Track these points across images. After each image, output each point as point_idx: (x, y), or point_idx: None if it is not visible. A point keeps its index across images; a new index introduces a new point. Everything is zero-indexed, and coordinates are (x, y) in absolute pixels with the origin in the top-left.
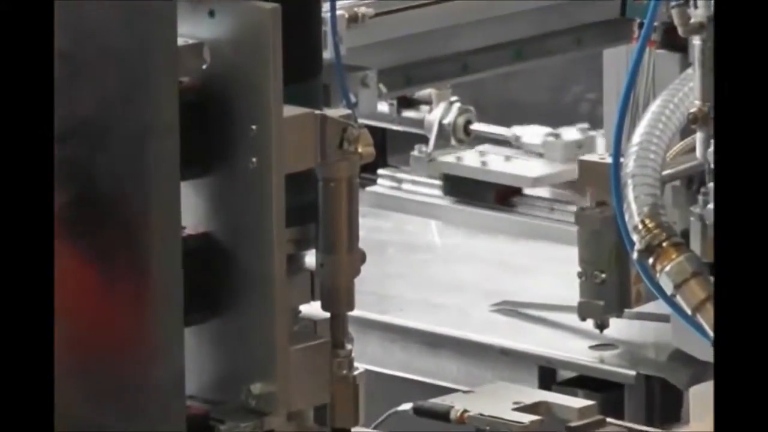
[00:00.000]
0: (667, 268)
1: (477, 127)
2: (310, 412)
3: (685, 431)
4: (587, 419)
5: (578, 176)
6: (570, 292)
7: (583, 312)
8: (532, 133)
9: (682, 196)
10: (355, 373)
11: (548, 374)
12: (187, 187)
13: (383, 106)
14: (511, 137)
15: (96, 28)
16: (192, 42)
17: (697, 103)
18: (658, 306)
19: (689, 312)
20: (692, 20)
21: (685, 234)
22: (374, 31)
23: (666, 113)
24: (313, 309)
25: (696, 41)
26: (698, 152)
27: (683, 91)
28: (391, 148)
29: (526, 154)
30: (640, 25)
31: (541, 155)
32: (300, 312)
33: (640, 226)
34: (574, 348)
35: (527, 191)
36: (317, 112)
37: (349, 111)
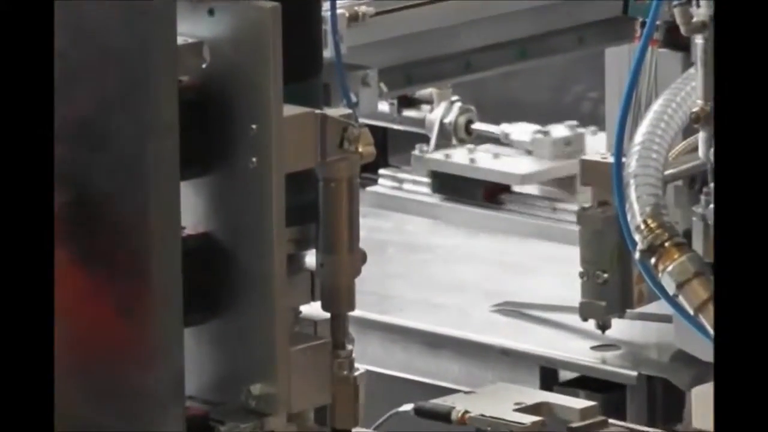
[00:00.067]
0: (669, 268)
1: (474, 125)
2: (310, 413)
3: None
4: (589, 420)
5: (580, 175)
6: (571, 292)
7: (584, 312)
8: (521, 130)
9: (684, 196)
10: (356, 373)
11: (550, 375)
12: (187, 186)
13: (384, 106)
14: (500, 134)
15: (95, 27)
16: (191, 41)
17: (700, 102)
18: (660, 306)
19: (691, 312)
20: (694, 19)
21: (688, 234)
22: (375, 30)
23: (668, 112)
24: (313, 309)
25: (698, 40)
26: (701, 152)
27: (685, 90)
28: (391, 147)
29: (515, 151)
30: (643, 24)
31: (530, 152)
32: (300, 312)
33: (642, 226)
34: (575, 348)
35: (516, 188)
36: (317, 111)
37: (349, 110)
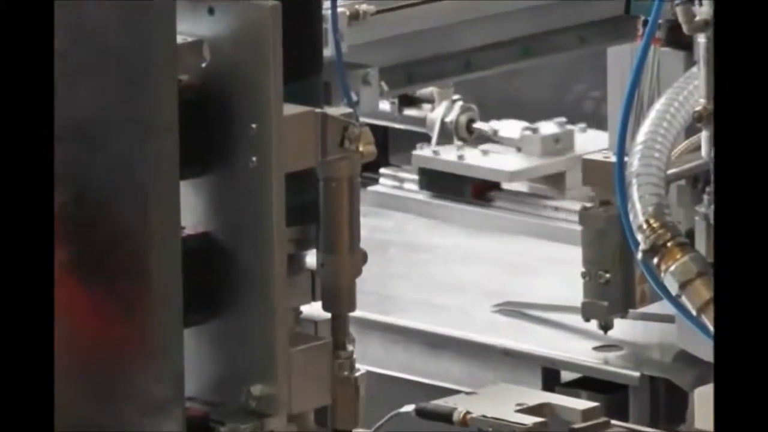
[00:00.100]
0: (672, 268)
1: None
2: (311, 414)
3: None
4: (591, 421)
5: (582, 175)
6: (573, 292)
7: (587, 312)
8: (510, 127)
9: (687, 196)
10: (357, 374)
11: (552, 375)
12: (187, 186)
13: (385, 105)
14: (489, 131)
15: (94, 26)
16: (191, 40)
17: (702, 101)
18: (662, 306)
19: (694, 312)
20: (697, 18)
21: (690, 234)
22: (375, 29)
23: (671, 111)
24: (313, 310)
25: (701, 39)
26: (703, 151)
27: (688, 89)
28: (392, 146)
29: (505, 148)
30: (645, 23)
31: (519, 149)
32: (301, 313)
33: (645, 226)
34: (577, 349)
35: (505, 185)
36: (318, 110)
37: (350, 109)
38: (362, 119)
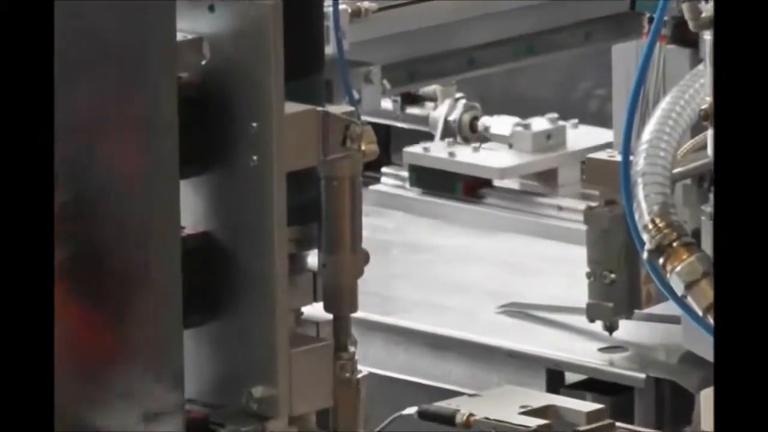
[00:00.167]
0: (678, 269)
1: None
2: (312, 416)
3: None
4: (596, 423)
5: (587, 174)
6: (578, 292)
7: (591, 313)
8: (501, 124)
9: (692, 195)
10: (359, 376)
11: (556, 377)
12: (187, 185)
13: (387, 103)
14: (480, 127)
15: (94, 23)
16: (191, 37)
17: (708, 99)
18: (668, 307)
19: (700, 313)
20: (703, 15)
21: (696, 233)
22: (378, 26)
23: (676, 110)
24: (315, 310)
25: (707, 36)
26: (709, 150)
27: (694, 87)
28: (394, 145)
29: (497, 144)
30: (650, 20)
31: (510, 146)
32: (302, 313)
33: (650, 226)
34: (582, 350)
35: (496, 182)
36: (319, 108)
37: (351, 108)
38: (364, 118)
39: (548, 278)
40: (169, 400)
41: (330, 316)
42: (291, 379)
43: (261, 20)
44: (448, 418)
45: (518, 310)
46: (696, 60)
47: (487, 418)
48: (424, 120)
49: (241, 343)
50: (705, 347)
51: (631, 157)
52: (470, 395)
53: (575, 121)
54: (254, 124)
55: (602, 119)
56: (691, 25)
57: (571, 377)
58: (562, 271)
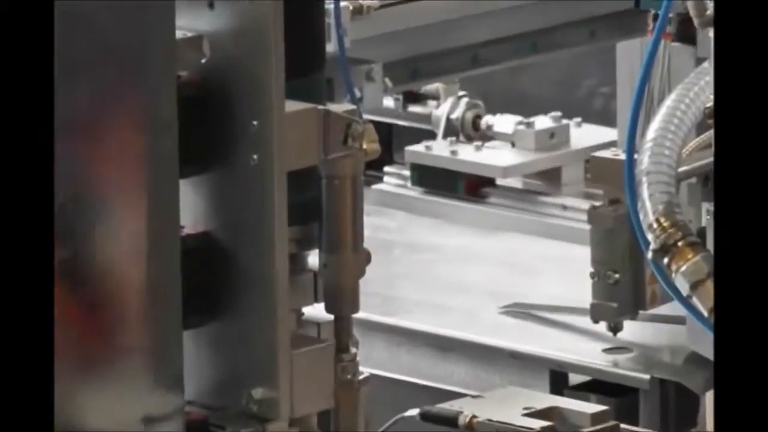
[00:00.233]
0: (683, 268)
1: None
2: (313, 418)
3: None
4: (600, 425)
5: (591, 173)
6: (582, 293)
7: (595, 314)
8: (504, 122)
9: (698, 194)
10: (360, 377)
11: (560, 378)
12: (186, 184)
13: (389, 101)
14: (483, 126)
15: (92, 21)
16: (191, 35)
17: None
18: (673, 307)
19: (705, 314)
20: (708, 12)
21: (701, 233)
22: (379, 23)
23: (681, 108)
24: (316, 311)
25: (712, 34)
26: None
27: (699, 85)
28: (397, 144)
29: (499, 143)
30: (655, 17)
31: (513, 144)
32: (303, 314)
33: (655, 225)
34: (586, 351)
35: (499, 181)
36: (320, 107)
37: (353, 106)
38: (366, 116)
39: (551, 278)
40: (169, 402)
41: (331, 317)
42: (292, 381)
43: (261, 18)
44: (450, 420)
45: (521, 311)
46: (701, 58)
47: (490, 420)
48: (427, 118)
49: (241, 344)
50: (710, 348)
51: (636, 156)
52: (473, 397)
53: (579, 119)
54: (255, 123)
55: (606, 117)
56: (696, 22)
57: (574, 378)
58: (566, 271)
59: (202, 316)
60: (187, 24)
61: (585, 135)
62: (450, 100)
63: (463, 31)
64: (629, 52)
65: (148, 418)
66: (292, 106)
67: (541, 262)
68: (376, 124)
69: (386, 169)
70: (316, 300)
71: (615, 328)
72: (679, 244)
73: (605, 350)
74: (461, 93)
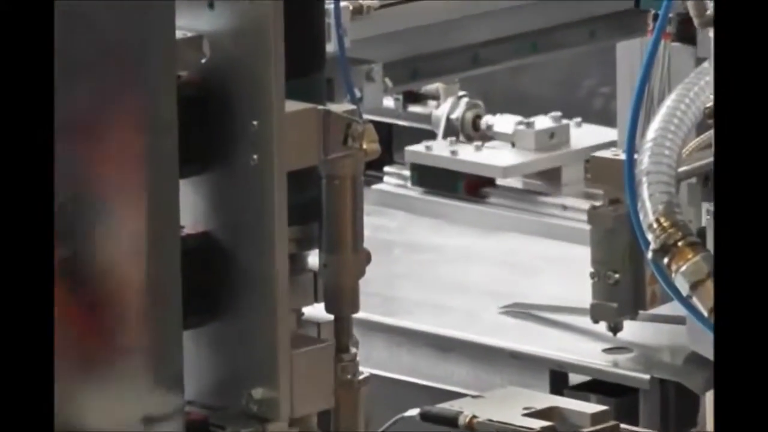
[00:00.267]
0: (683, 269)
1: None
2: (313, 418)
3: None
4: (600, 425)
5: (591, 173)
6: (582, 293)
7: (596, 314)
8: (504, 122)
9: (698, 194)
10: (360, 377)
11: (560, 378)
12: (186, 184)
13: (389, 101)
14: (483, 126)
15: (92, 21)
16: (191, 35)
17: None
18: (673, 308)
19: (705, 314)
20: (708, 12)
21: (702, 233)
22: (379, 23)
23: (681, 108)
24: (316, 311)
25: (712, 34)
26: None
27: (699, 85)
28: (397, 144)
29: (499, 143)
30: (655, 17)
31: (513, 144)
32: (303, 314)
33: (655, 225)
34: (586, 351)
35: (499, 181)
36: (320, 107)
37: (353, 106)
38: (366, 116)
39: (551, 278)
40: (169, 402)
41: (331, 317)
42: (292, 381)
43: (261, 18)
44: (450, 420)
45: (521, 311)
46: (701, 57)
47: (490, 420)
48: (427, 118)
49: (241, 344)
50: (710, 348)
51: (636, 156)
52: (473, 397)
53: (579, 119)
54: (254, 123)
55: (606, 117)
56: (696, 22)
57: (574, 378)
58: (566, 271)
59: (202, 316)
60: (187, 24)
61: (585, 135)
62: (450, 100)
63: (464, 31)
64: (629, 52)
65: (148, 418)
66: (292, 106)
67: (542, 263)
68: (376, 124)
69: (386, 169)
70: (316, 300)
71: (615, 328)
72: (679, 244)
73: (605, 350)
74: (461, 93)
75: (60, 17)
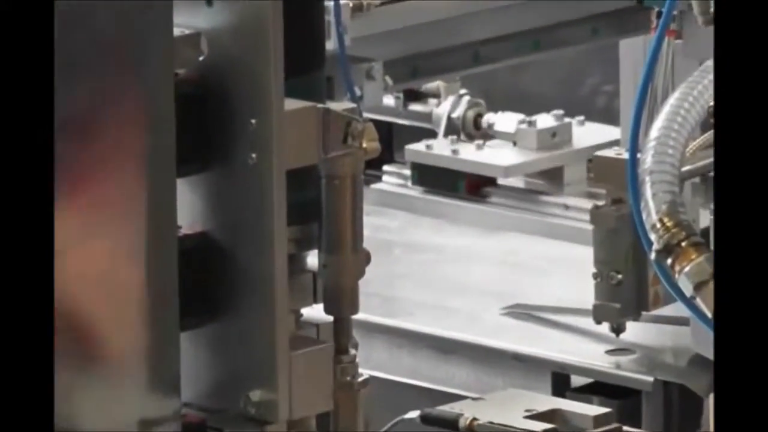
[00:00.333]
0: (687, 269)
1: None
2: (312, 420)
3: None
4: (603, 427)
5: (593, 173)
6: (584, 293)
7: (598, 315)
8: (506, 120)
9: (701, 193)
10: (360, 379)
11: (562, 380)
12: (184, 183)
13: (389, 100)
14: (484, 124)
15: (89, 17)
16: (189, 32)
17: None
18: (676, 308)
19: (709, 315)
20: (712, 9)
21: (705, 233)
22: (380, 21)
23: (685, 106)
24: (315, 312)
25: None
26: None
27: (703, 83)
28: (397, 143)
29: (501, 142)
30: (659, 15)
31: (515, 143)
32: (301, 315)
33: (658, 225)
34: (589, 353)
35: (501, 181)
36: (320, 105)
37: (353, 104)
38: (366, 115)
39: (554, 279)
40: (166, 405)
41: (330, 318)
42: (290, 383)
43: (260, 15)
44: (451, 423)
45: (523, 312)
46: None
47: (491, 423)
48: (427, 117)
49: (240, 345)
50: None
51: (639, 155)
52: (474, 399)
53: (581, 118)
54: (253, 121)
55: (609, 116)
56: (699, 20)
57: (577, 380)
58: (568, 271)
59: (200, 317)
60: (184, 21)
61: (587, 134)
62: (451, 99)
63: (465, 29)
64: (632, 50)
65: (144, 420)
66: (291, 104)
67: (543, 263)
68: (376, 122)
69: (386, 168)
70: (315, 301)
71: (618, 330)
72: (683, 244)
73: (608, 352)
74: (462, 91)
75: (58, 15)
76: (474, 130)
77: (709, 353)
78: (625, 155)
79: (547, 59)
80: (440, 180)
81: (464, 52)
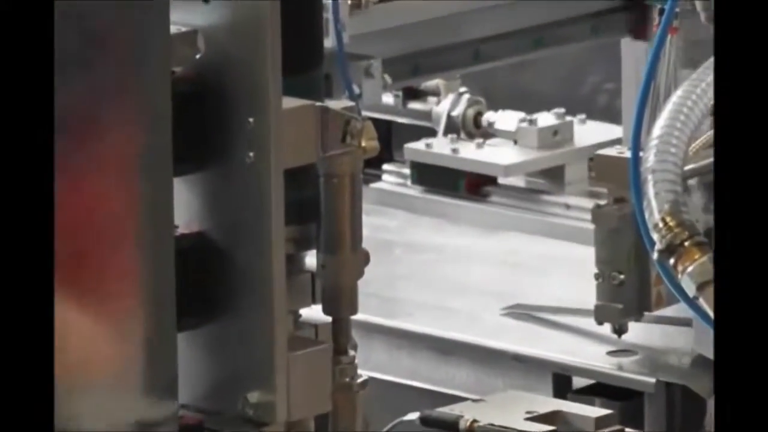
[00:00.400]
0: (690, 269)
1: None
2: (310, 421)
3: None
4: (605, 429)
5: (595, 171)
6: (586, 294)
7: (600, 316)
8: (506, 119)
9: (705, 193)
10: (359, 380)
11: (563, 382)
12: (180, 183)
13: (388, 98)
14: (485, 123)
15: (86, 15)
16: (185, 30)
17: None
18: (679, 309)
19: (712, 315)
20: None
21: (709, 233)
22: (379, 18)
23: (688, 105)
24: (314, 313)
25: None
26: None
27: (706, 81)
28: (396, 141)
29: (501, 140)
30: (661, 12)
31: (515, 142)
32: (300, 316)
33: (661, 224)
34: (590, 354)
35: (501, 180)
36: (318, 104)
37: (352, 103)
38: (365, 113)
39: (555, 279)
40: (163, 406)
41: (329, 319)
42: (288, 384)
43: (258, 12)
44: (451, 424)
45: (524, 312)
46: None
47: (491, 425)
48: (427, 115)
49: (238, 346)
50: None
51: (641, 154)
52: (474, 400)
53: (583, 116)
54: (251, 120)
55: (611, 114)
56: (702, 17)
57: (578, 382)
58: (569, 271)
59: (197, 318)
60: (181, 19)
61: (589, 132)
62: (451, 97)
63: (465, 27)
64: (634, 48)
65: (141, 422)
66: (289, 102)
67: (544, 263)
68: (375, 121)
69: (385, 167)
70: (314, 301)
71: (620, 330)
72: (686, 244)
73: (610, 353)
74: (462, 89)
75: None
76: (474, 129)
77: (712, 354)
78: (627, 154)
79: (548, 57)
80: (440, 179)
81: (464, 49)
